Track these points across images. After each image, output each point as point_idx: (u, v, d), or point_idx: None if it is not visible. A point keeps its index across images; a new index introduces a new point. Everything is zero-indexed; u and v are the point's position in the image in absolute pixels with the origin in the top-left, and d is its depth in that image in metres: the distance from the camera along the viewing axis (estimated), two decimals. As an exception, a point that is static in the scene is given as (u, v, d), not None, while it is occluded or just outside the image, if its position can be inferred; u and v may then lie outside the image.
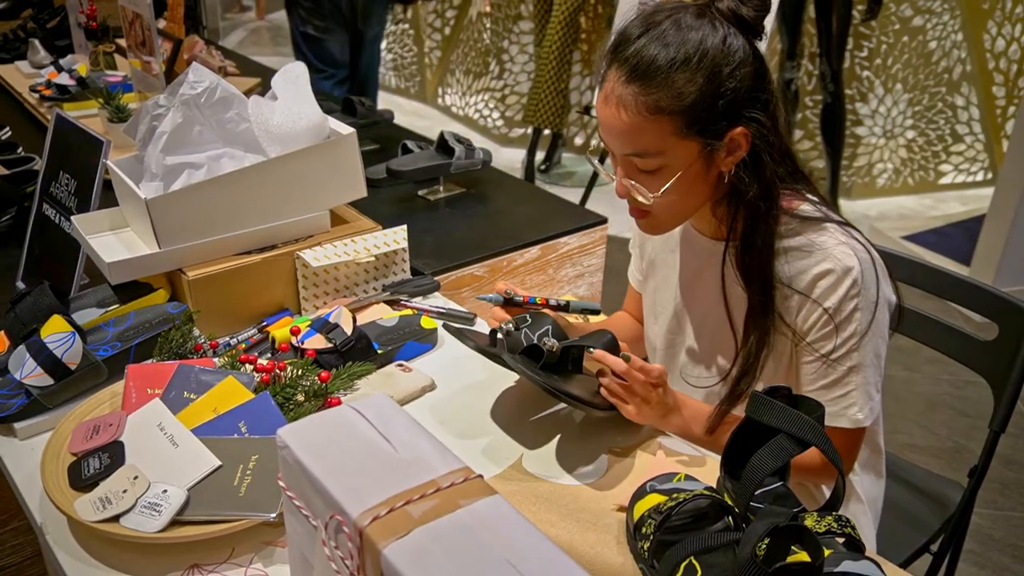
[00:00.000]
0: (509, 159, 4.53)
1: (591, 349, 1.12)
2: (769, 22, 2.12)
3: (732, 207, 1.12)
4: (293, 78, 1.47)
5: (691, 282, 1.27)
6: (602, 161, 1.23)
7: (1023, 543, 2.17)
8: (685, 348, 1.31)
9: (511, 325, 1.19)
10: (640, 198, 1.11)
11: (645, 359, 1.31)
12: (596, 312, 1.32)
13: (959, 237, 3.65)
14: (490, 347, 1.16)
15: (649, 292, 1.37)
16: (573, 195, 3.12)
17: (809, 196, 1.16)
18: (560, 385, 1.08)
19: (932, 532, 1.48)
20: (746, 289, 1.14)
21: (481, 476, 0.76)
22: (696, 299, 1.27)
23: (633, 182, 1.11)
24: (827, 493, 1.25)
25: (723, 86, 1.03)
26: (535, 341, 1.17)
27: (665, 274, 1.32)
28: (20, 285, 1.56)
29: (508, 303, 1.26)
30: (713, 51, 1.02)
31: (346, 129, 1.48)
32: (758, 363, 1.15)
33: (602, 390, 1.11)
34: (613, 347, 1.12)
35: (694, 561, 0.84)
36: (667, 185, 1.08)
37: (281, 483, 0.82)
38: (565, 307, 1.27)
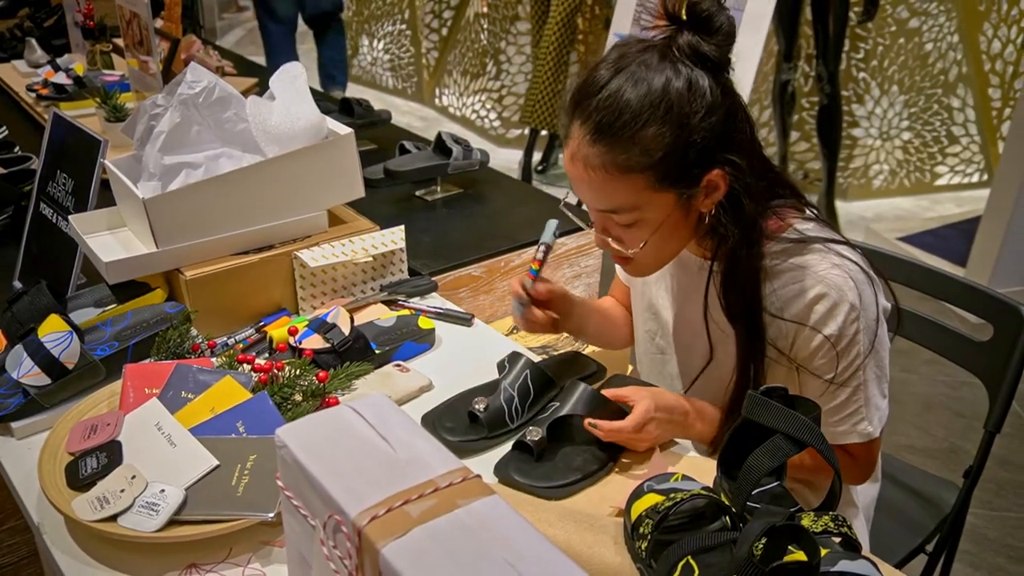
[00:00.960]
0: (506, 160, 4.53)
1: (577, 415, 1.11)
2: (766, 23, 2.13)
3: (715, 238, 1.09)
4: (291, 78, 1.47)
5: (680, 297, 1.25)
6: (579, 205, 1.23)
7: (1018, 543, 2.18)
8: (675, 359, 1.30)
9: (482, 405, 1.17)
10: (621, 250, 1.09)
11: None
12: (558, 226, 1.29)
13: (955, 238, 3.66)
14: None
15: (639, 291, 1.34)
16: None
17: (804, 212, 1.13)
18: (563, 480, 1.07)
19: (927, 532, 1.48)
20: (731, 324, 1.12)
21: (479, 476, 0.76)
22: (685, 314, 1.24)
23: (610, 239, 1.08)
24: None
25: (692, 135, 0.99)
26: (522, 438, 1.13)
27: (653, 283, 1.29)
28: (17, 284, 1.56)
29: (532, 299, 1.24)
30: (678, 99, 0.97)
31: (344, 129, 1.48)
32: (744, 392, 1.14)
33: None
34: (593, 401, 1.12)
35: (691, 561, 0.84)
36: (646, 240, 1.05)
37: (279, 483, 0.82)
38: (548, 250, 1.26)
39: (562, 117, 1.07)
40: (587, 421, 1.09)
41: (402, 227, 1.54)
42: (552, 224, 1.26)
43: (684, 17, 0.99)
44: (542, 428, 1.10)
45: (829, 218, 3.81)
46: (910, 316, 1.53)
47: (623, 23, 2.37)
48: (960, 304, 1.50)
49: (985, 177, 4.24)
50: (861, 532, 1.31)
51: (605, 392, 1.14)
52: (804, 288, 1.08)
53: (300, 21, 4.72)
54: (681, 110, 0.98)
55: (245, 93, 1.48)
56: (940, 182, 4.27)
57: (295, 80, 1.46)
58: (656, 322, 1.29)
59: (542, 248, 1.25)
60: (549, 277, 1.94)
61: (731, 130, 1.02)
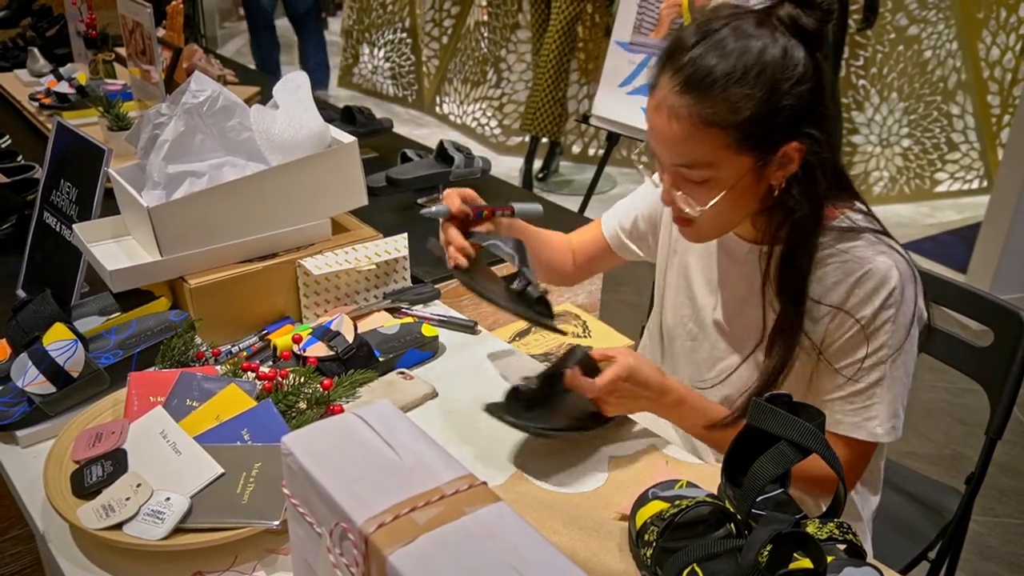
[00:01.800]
0: (507, 167, 4.54)
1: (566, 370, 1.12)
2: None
3: (775, 217, 1.09)
4: (295, 87, 1.47)
5: (722, 283, 1.24)
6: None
7: (1020, 550, 2.18)
8: (706, 345, 1.28)
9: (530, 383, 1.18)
10: (687, 209, 1.08)
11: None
12: (539, 214, 1.32)
13: (955, 245, 3.67)
14: (505, 300, 1.19)
15: (674, 274, 1.32)
16: (570, 203, 3.13)
17: (857, 206, 1.13)
18: (549, 424, 1.10)
19: (930, 540, 1.48)
20: (779, 301, 1.11)
21: (485, 483, 0.76)
22: (725, 301, 1.23)
23: (680, 192, 1.07)
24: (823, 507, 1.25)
25: (781, 101, 0.99)
26: (515, 383, 1.16)
27: (694, 268, 1.28)
28: (21, 293, 1.57)
29: (456, 220, 1.25)
30: (773, 64, 0.98)
31: (347, 138, 1.48)
32: (779, 377, 1.13)
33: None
34: (587, 361, 1.13)
35: (697, 568, 0.84)
36: (716, 199, 1.05)
37: (285, 490, 0.82)
38: (511, 215, 1.29)
39: (651, 70, 1.07)
40: (568, 372, 1.10)
41: (405, 235, 1.54)
42: (534, 206, 1.31)
43: None
44: (537, 379, 1.13)
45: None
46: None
47: (624, 31, 2.38)
48: (961, 310, 1.50)
49: (985, 184, 4.25)
50: (864, 543, 1.31)
51: (594, 352, 1.14)
52: (848, 272, 1.08)
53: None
54: (774, 75, 0.99)
55: (247, 102, 1.49)
56: (940, 189, 4.28)
57: (298, 89, 1.47)
58: (691, 307, 1.28)
59: (508, 212, 1.29)
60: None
61: (816, 104, 1.02)
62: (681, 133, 1.02)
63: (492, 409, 1.12)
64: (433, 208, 1.25)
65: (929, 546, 1.48)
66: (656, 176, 1.14)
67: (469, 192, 1.28)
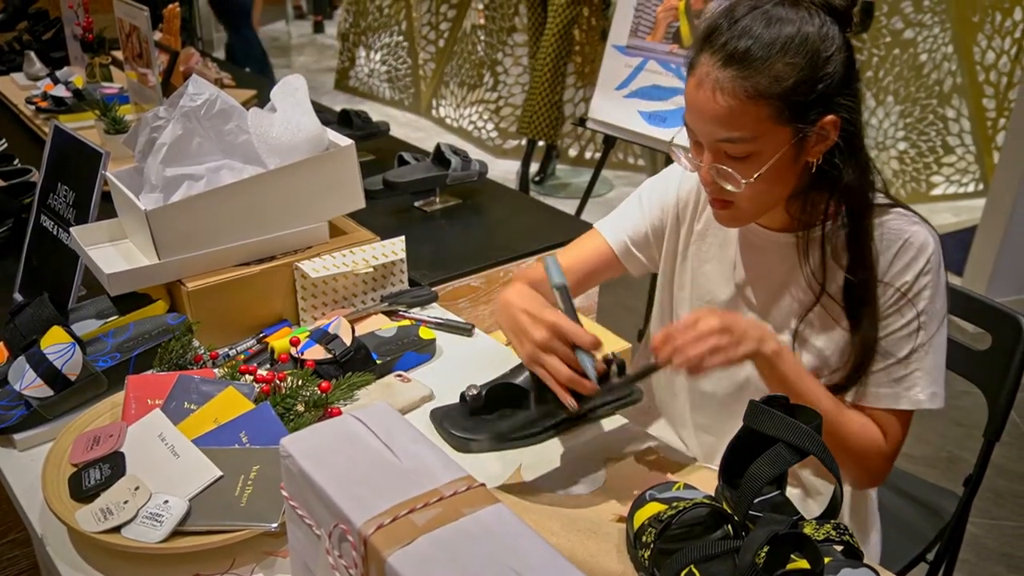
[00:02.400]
0: (504, 171, 4.54)
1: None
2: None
3: (817, 194, 1.11)
4: (292, 90, 1.47)
5: (750, 277, 1.24)
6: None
7: (1017, 552, 2.18)
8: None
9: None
10: (729, 185, 1.09)
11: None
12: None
13: (951, 248, 3.67)
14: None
15: (683, 287, 1.32)
16: (567, 206, 3.13)
17: (879, 188, 1.15)
18: (482, 436, 1.10)
19: (927, 541, 1.49)
20: (853, 273, 1.12)
21: (483, 485, 0.76)
22: (756, 293, 1.23)
23: (720, 171, 1.08)
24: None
25: (821, 71, 1.02)
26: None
27: (710, 271, 1.27)
28: (18, 297, 1.56)
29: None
30: (812, 37, 1.02)
31: (344, 141, 1.49)
32: (875, 347, 1.13)
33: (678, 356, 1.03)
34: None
35: (694, 570, 0.85)
36: (759, 171, 1.06)
37: (284, 492, 0.82)
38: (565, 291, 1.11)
39: (689, 52, 1.09)
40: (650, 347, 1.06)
41: (402, 238, 1.54)
42: (552, 264, 1.13)
43: None
44: (482, 389, 1.15)
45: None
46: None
47: (620, 34, 2.38)
48: (958, 313, 1.50)
49: (981, 187, 4.26)
50: (875, 546, 1.32)
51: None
52: (887, 245, 1.11)
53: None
54: (814, 47, 1.02)
55: (243, 105, 1.49)
56: (936, 192, 4.29)
57: (296, 92, 1.47)
58: (710, 308, 1.27)
59: (562, 292, 1.10)
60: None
61: (850, 79, 1.06)
62: (726, 106, 1.04)
63: (433, 415, 1.13)
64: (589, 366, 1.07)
65: (927, 547, 1.49)
66: (688, 159, 1.14)
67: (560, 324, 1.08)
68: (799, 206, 1.13)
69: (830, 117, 1.05)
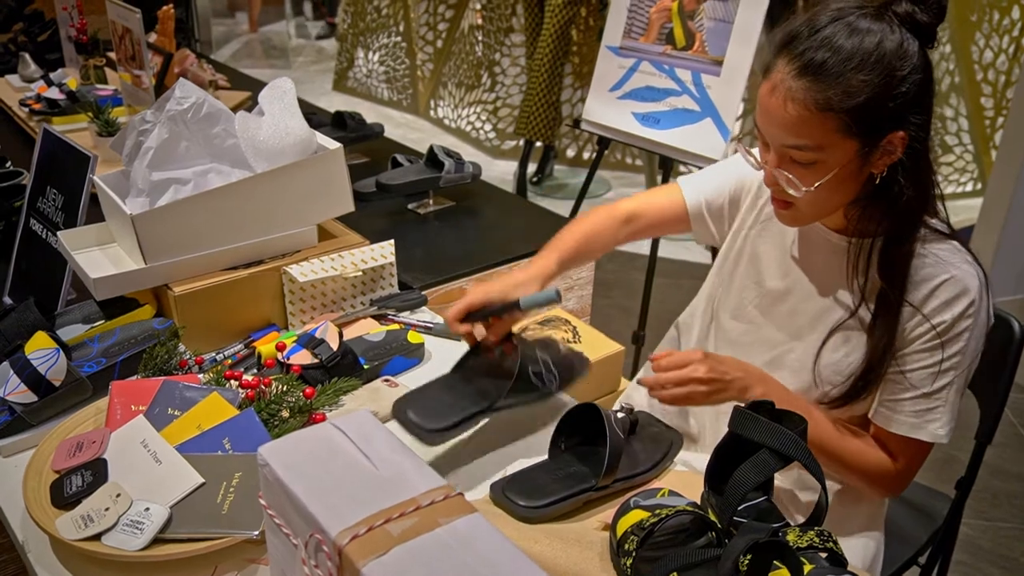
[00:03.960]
0: (501, 171, 4.54)
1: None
2: (755, 36, 2.14)
3: (875, 208, 1.11)
4: (280, 94, 1.47)
5: (800, 271, 1.24)
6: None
7: (1012, 554, 2.17)
8: (767, 330, 1.27)
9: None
10: (791, 190, 1.10)
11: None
12: (556, 300, 1.17)
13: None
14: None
15: (737, 259, 1.31)
16: (564, 207, 3.13)
17: (940, 216, 1.15)
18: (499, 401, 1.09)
19: (920, 544, 1.48)
20: (885, 287, 1.12)
21: (461, 494, 0.76)
22: (799, 288, 1.24)
23: (786, 173, 1.09)
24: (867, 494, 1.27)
25: (895, 89, 1.02)
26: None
27: (765, 254, 1.28)
28: (7, 300, 1.56)
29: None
30: (890, 54, 1.01)
31: (333, 144, 1.48)
32: (882, 372, 1.14)
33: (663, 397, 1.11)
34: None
35: (676, 577, 0.84)
36: (821, 181, 1.07)
37: (262, 501, 0.82)
38: (517, 307, 1.16)
39: (768, 55, 1.10)
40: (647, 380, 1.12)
41: (391, 241, 1.54)
42: (550, 294, 1.17)
43: None
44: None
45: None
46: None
47: (614, 35, 2.37)
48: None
49: (979, 186, 4.25)
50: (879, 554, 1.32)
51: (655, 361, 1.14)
52: (933, 275, 1.11)
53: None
54: (890, 63, 1.02)
55: (238, 106, 1.49)
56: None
57: (284, 95, 1.46)
58: (757, 291, 1.28)
59: (514, 305, 1.16)
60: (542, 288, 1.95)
61: (924, 96, 1.06)
62: (795, 115, 1.04)
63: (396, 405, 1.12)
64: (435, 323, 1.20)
65: (920, 550, 1.48)
66: (756, 155, 1.15)
67: (472, 301, 1.18)
68: (857, 213, 1.14)
69: (899, 133, 1.05)
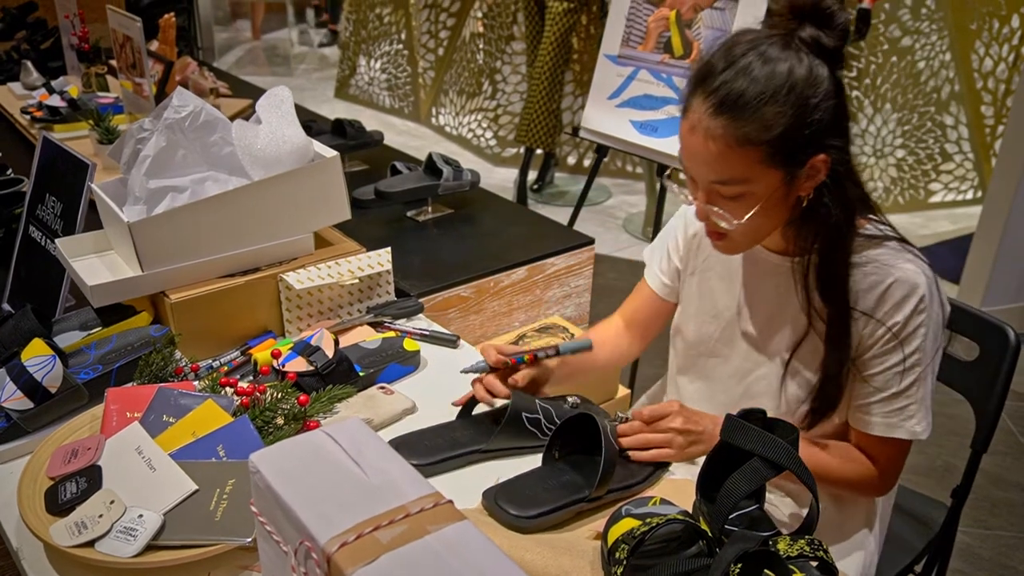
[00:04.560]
0: (502, 178, 4.55)
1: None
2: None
3: (808, 228, 1.13)
4: (278, 102, 1.48)
5: (750, 296, 1.26)
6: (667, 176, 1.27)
7: (1011, 563, 2.16)
8: (733, 362, 1.29)
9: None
10: (723, 224, 1.12)
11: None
12: (589, 348, 1.28)
13: (949, 255, 3.66)
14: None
15: (692, 294, 1.34)
16: (565, 214, 3.13)
17: (871, 217, 1.17)
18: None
19: (916, 552, 1.48)
20: (827, 305, 1.14)
21: (451, 502, 0.76)
22: (754, 313, 1.26)
23: (715, 208, 1.12)
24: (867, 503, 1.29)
25: (810, 117, 1.04)
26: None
27: (715, 286, 1.30)
28: (6, 307, 1.57)
29: (498, 373, 1.23)
30: (801, 83, 1.03)
31: (329, 152, 1.49)
32: (841, 383, 1.16)
33: (633, 452, 1.15)
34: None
35: (667, 586, 0.84)
36: (750, 212, 1.09)
37: (253, 508, 0.82)
38: (556, 354, 1.25)
39: (683, 93, 1.11)
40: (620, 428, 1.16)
41: (388, 249, 1.54)
42: (584, 342, 1.27)
43: (809, 11, 1.06)
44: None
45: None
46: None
47: (612, 44, 2.38)
48: (948, 325, 1.49)
49: (979, 194, 4.25)
50: (874, 553, 1.32)
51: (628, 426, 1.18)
52: (879, 280, 1.12)
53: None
54: (802, 93, 1.03)
55: (239, 114, 1.49)
56: (934, 199, 4.28)
57: (281, 104, 1.47)
58: (715, 324, 1.30)
59: (551, 351, 1.24)
60: (538, 297, 1.95)
61: (840, 118, 1.08)
62: (717, 152, 1.06)
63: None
64: (473, 365, 1.23)
65: (915, 559, 1.48)
66: (688, 194, 1.17)
67: (504, 347, 1.26)
68: (793, 233, 1.16)
69: (820, 156, 1.06)
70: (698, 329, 1.33)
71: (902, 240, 1.15)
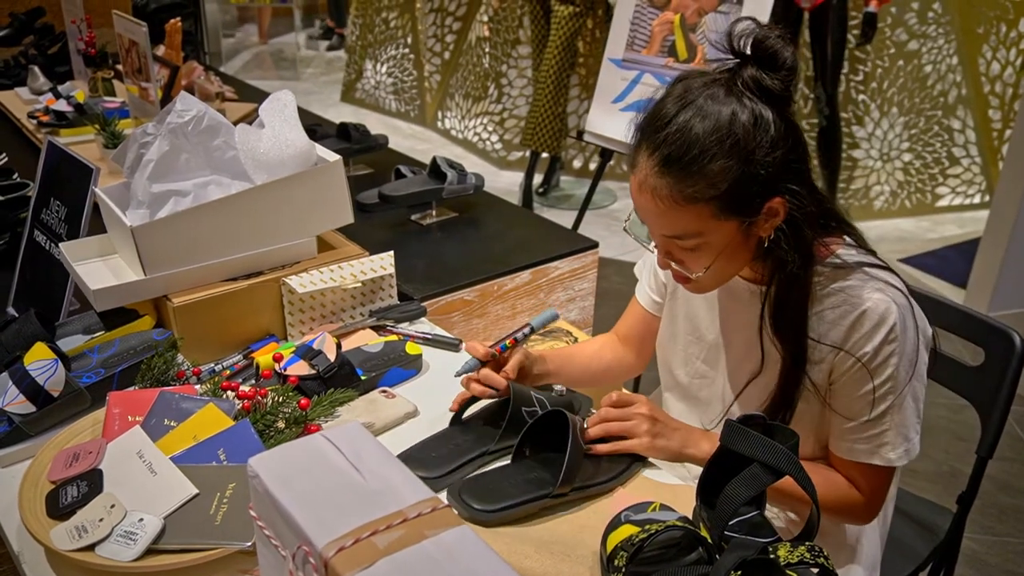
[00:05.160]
0: (508, 182, 4.55)
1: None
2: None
3: (771, 261, 1.11)
4: (281, 106, 1.48)
5: (725, 322, 1.25)
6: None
7: (1018, 569, 2.15)
8: (719, 381, 1.30)
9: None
10: (685, 273, 1.12)
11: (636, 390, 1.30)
12: (555, 318, 1.33)
13: (956, 260, 3.65)
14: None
15: (679, 314, 1.33)
16: (570, 217, 3.13)
17: (846, 240, 1.15)
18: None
19: (922, 559, 1.47)
20: (779, 345, 1.13)
21: (449, 506, 0.76)
22: (731, 340, 1.25)
23: (673, 263, 1.12)
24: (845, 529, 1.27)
25: (757, 168, 1.01)
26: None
27: (699, 308, 1.29)
28: (11, 311, 1.57)
29: (490, 365, 1.24)
30: (744, 134, 1.00)
31: (332, 156, 1.49)
32: (787, 415, 1.15)
33: (601, 440, 1.14)
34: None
35: (666, 592, 0.84)
36: (710, 263, 1.09)
37: (252, 512, 0.82)
38: (530, 332, 1.28)
39: (629, 146, 1.10)
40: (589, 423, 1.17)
41: (391, 253, 1.54)
42: (549, 313, 1.31)
43: (749, 52, 1.03)
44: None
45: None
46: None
47: (616, 48, 2.38)
48: (953, 330, 1.49)
49: (987, 198, 4.23)
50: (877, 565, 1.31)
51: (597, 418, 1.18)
52: (847, 311, 1.09)
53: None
54: (747, 145, 1.01)
55: (244, 118, 1.49)
56: (941, 203, 4.26)
57: (285, 108, 1.47)
58: (699, 345, 1.30)
59: (526, 330, 1.28)
60: (542, 301, 1.95)
61: (792, 160, 1.05)
62: (666, 210, 1.05)
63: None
64: (464, 365, 1.24)
65: (921, 566, 1.47)
66: (652, 243, 1.17)
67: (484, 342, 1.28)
68: (761, 265, 1.14)
69: (776, 199, 1.04)
70: (685, 349, 1.32)
71: (874, 265, 1.12)
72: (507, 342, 1.26)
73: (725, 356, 1.26)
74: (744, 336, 1.21)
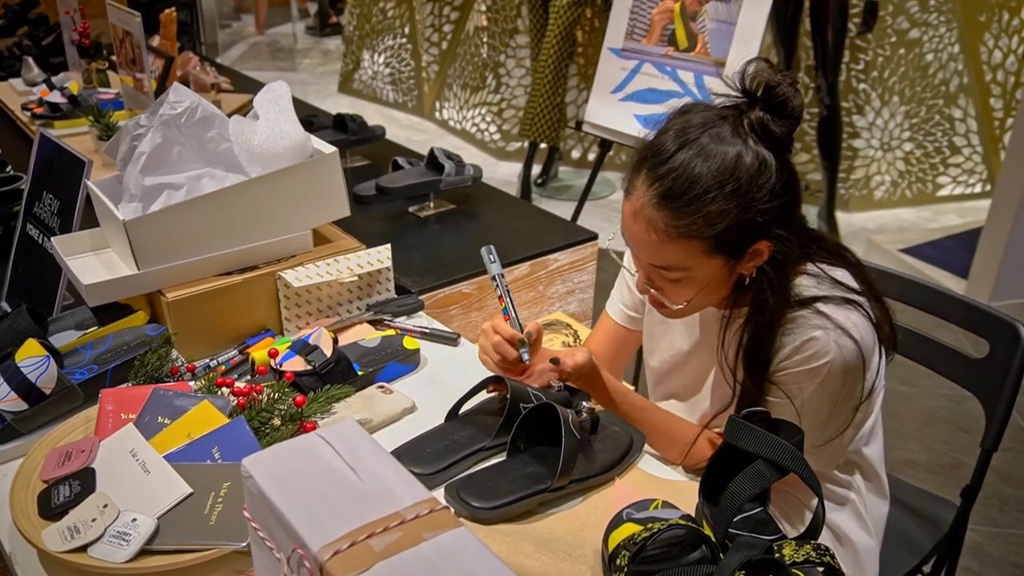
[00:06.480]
0: (507, 173, 4.52)
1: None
2: (757, 39, 2.12)
3: (744, 295, 1.12)
4: (276, 97, 1.45)
5: (704, 340, 1.25)
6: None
7: (1021, 560, 2.14)
8: (686, 404, 1.31)
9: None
10: (664, 302, 1.13)
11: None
12: (489, 251, 1.30)
13: (958, 249, 3.63)
14: None
15: (653, 332, 1.35)
16: (569, 208, 3.11)
17: (810, 269, 1.13)
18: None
19: (925, 552, 1.46)
20: (747, 374, 1.13)
21: (447, 507, 0.74)
22: (703, 361, 1.26)
23: (654, 291, 1.13)
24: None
25: (754, 212, 1.02)
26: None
27: (677, 322, 1.29)
28: (3, 306, 1.55)
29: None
30: (747, 178, 1.01)
31: (328, 148, 1.46)
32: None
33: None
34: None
35: (669, 592, 0.82)
36: (690, 297, 1.10)
37: (246, 513, 0.80)
38: (503, 277, 1.28)
39: (629, 168, 1.10)
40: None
41: (388, 246, 1.52)
42: (484, 252, 1.28)
43: (759, 95, 1.03)
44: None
45: (830, 230, 3.79)
46: (907, 332, 1.50)
47: (616, 37, 2.36)
48: (956, 321, 1.47)
49: (988, 187, 4.21)
50: (871, 557, 1.30)
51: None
52: (793, 339, 1.10)
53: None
54: (748, 190, 1.01)
55: (241, 109, 1.47)
56: (942, 193, 4.24)
57: (279, 99, 1.45)
58: (679, 360, 1.31)
59: (498, 280, 1.26)
60: (541, 293, 1.93)
61: (786, 208, 1.05)
62: (658, 242, 1.05)
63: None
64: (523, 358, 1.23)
65: (925, 559, 1.46)
66: (631, 264, 1.18)
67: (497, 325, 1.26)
68: (734, 297, 1.15)
69: (763, 242, 1.05)
70: (671, 362, 1.33)
71: (839, 302, 1.10)
72: (502, 304, 1.25)
73: (704, 373, 1.28)
74: (710, 355, 1.23)
